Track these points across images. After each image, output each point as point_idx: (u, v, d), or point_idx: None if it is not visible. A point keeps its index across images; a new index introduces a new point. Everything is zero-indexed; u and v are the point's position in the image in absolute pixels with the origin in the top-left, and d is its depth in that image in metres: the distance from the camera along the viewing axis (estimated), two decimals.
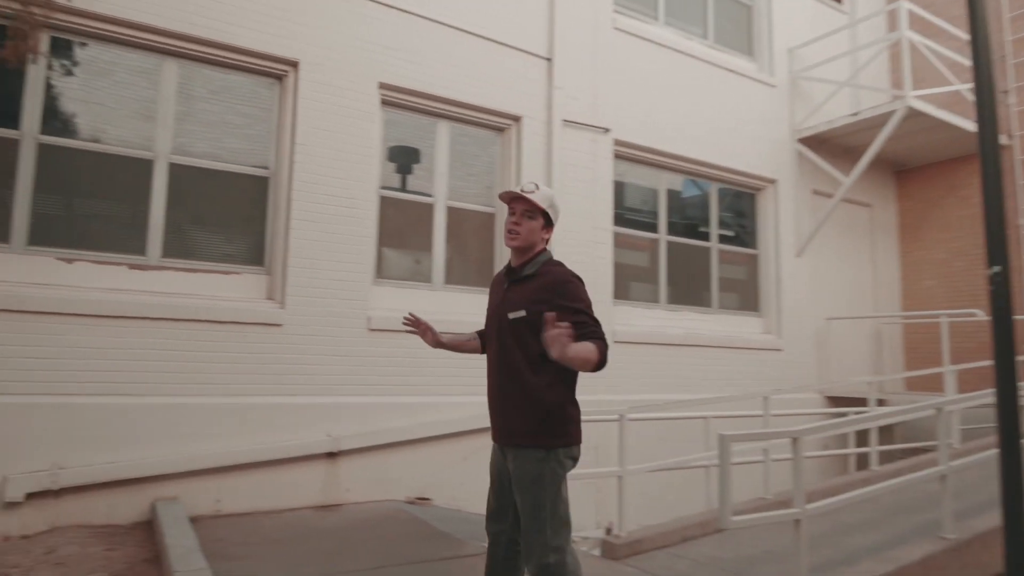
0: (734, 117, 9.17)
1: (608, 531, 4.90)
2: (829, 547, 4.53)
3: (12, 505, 4.72)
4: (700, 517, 5.10)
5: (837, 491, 5.90)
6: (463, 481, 6.45)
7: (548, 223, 2.97)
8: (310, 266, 6.01)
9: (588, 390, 7.37)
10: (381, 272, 6.62)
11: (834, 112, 9.76)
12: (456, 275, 7.07)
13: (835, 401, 9.40)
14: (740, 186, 9.50)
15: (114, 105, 5.58)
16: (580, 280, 2.92)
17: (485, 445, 6.58)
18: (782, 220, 9.54)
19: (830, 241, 10.23)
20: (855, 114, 9.21)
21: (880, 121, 8.88)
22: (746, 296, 9.48)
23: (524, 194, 2.87)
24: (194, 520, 5.10)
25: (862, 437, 7.04)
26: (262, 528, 5.09)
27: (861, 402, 8.36)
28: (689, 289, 8.90)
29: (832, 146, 10.03)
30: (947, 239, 10.59)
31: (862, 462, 6.97)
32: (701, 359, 8.47)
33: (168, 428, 5.31)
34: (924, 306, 10.61)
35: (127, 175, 5.59)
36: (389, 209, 6.72)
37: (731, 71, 9.28)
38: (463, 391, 6.62)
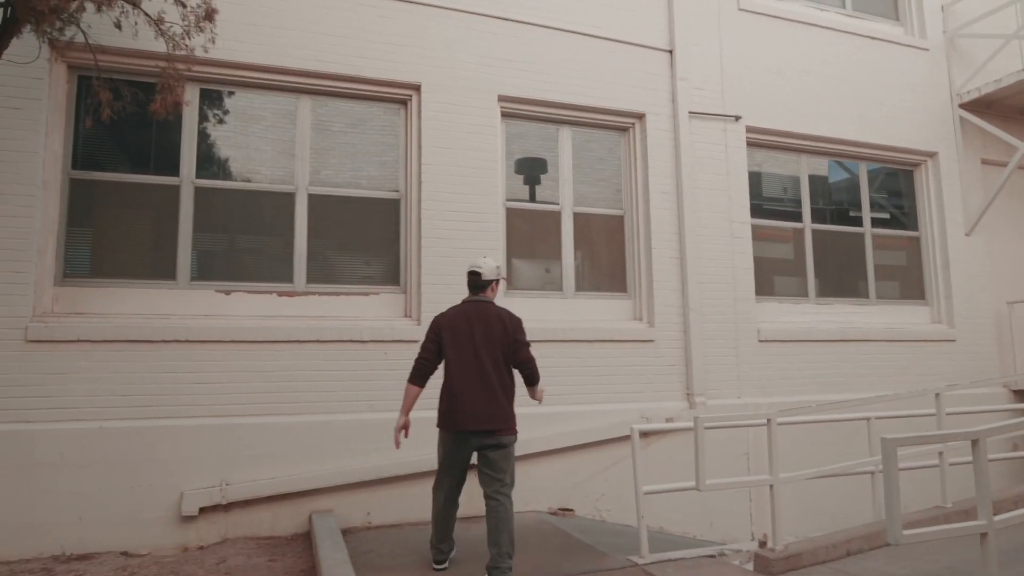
0: (882, 89, 8.41)
1: (762, 544, 4.58)
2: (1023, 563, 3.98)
3: (188, 519, 5.16)
4: (866, 529, 4.65)
5: None
6: (605, 491, 6.32)
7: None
8: (442, 282, 6.14)
9: (732, 394, 7.03)
10: (512, 283, 6.65)
11: (1002, 69, 8.70)
12: (587, 282, 6.97)
13: None
14: (894, 163, 8.69)
15: (257, 145, 6.00)
16: None
17: (626, 454, 6.42)
18: (946, 196, 8.62)
19: (1007, 215, 9.11)
20: None
21: None
22: (908, 283, 8.64)
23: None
24: (347, 532, 5.34)
25: None
26: (409, 540, 5.22)
27: None
28: (841, 280, 8.23)
29: (1002, 108, 8.94)
30: None
31: None
32: (859, 356, 7.80)
33: (321, 444, 5.60)
34: None
35: (272, 209, 5.99)
36: (516, 220, 6.74)
37: (875, 39, 8.52)
38: (603, 399, 6.50)
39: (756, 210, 7.70)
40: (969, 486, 6.22)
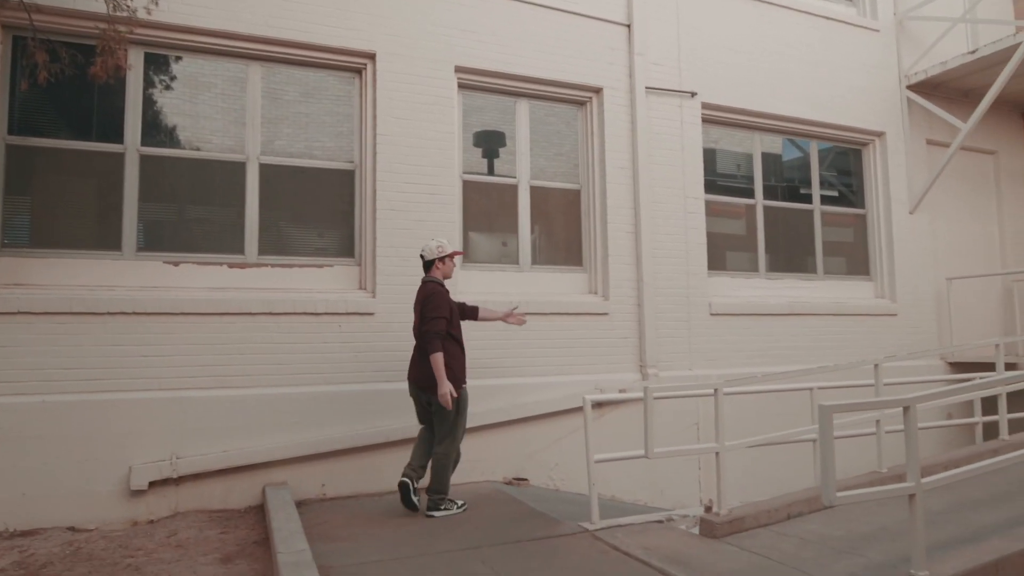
0: (834, 69, 8.57)
1: (708, 509, 4.73)
2: (952, 524, 4.18)
3: (138, 493, 5.09)
4: (806, 493, 4.83)
5: (960, 464, 5.46)
6: (559, 461, 6.42)
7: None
8: (398, 255, 6.12)
9: (684, 366, 7.19)
10: (469, 257, 6.65)
11: (948, 52, 8.95)
12: (543, 255, 7.01)
13: (960, 368, 8.69)
14: (843, 142, 8.89)
15: (206, 112, 5.85)
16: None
17: (580, 425, 6.52)
18: (892, 175, 8.87)
19: (949, 194, 9.42)
20: (973, 52, 8.39)
21: (1003, 57, 8.05)
22: (854, 260, 8.90)
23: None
24: (301, 504, 5.34)
25: (991, 404, 6.46)
26: (364, 510, 5.25)
27: (989, 367, 7.69)
28: (791, 256, 8.44)
29: (947, 90, 9.21)
30: None
31: (990, 432, 6.40)
32: (807, 329, 8.03)
33: (274, 417, 5.56)
34: None
35: (222, 178, 5.86)
36: (473, 193, 6.72)
37: (829, 19, 8.66)
38: (558, 371, 6.58)
39: (710, 186, 7.82)
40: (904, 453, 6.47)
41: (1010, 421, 6.12)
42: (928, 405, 3.41)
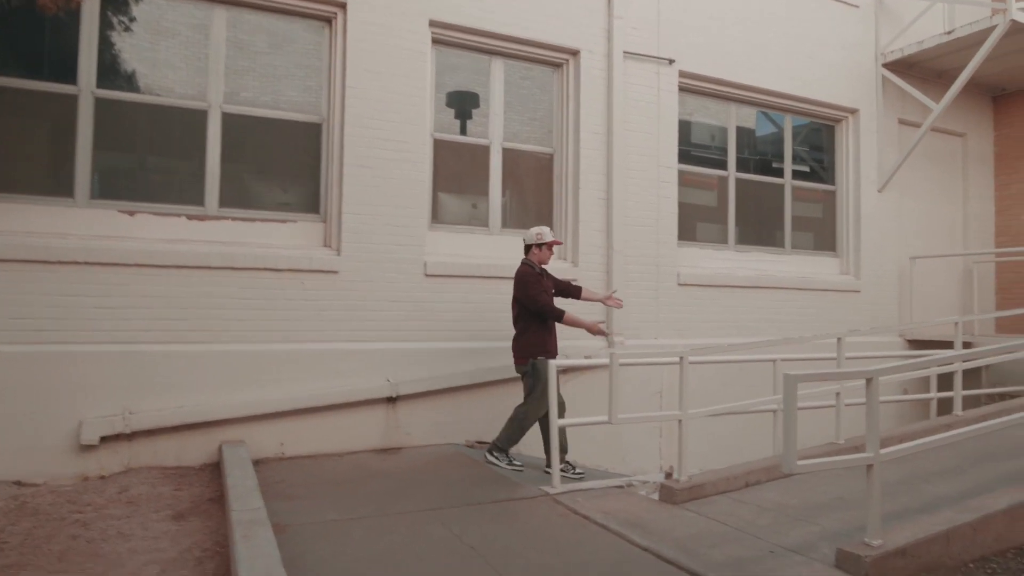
0: (812, 42, 8.52)
1: (668, 475, 4.75)
2: (906, 495, 4.26)
3: (88, 448, 4.95)
4: (766, 462, 4.89)
5: (915, 437, 5.57)
6: None
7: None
8: (364, 212, 5.97)
9: (651, 335, 7.20)
10: (437, 217, 6.53)
11: (925, 32, 8.94)
12: (514, 219, 6.91)
13: (918, 344, 8.87)
14: (818, 118, 8.89)
15: (167, 57, 5.58)
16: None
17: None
18: (864, 153, 8.91)
19: (917, 174, 9.52)
20: (949, 32, 8.41)
21: (978, 39, 8.07)
22: (822, 235, 8.97)
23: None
24: (259, 463, 5.25)
25: (946, 382, 6.59)
26: (323, 470, 5.18)
27: (947, 345, 7.85)
28: (760, 229, 8.46)
29: (922, 70, 9.23)
30: None
31: (945, 408, 6.54)
32: (772, 302, 8.09)
33: (232, 374, 5.43)
34: (1021, 243, 9.79)
35: (182, 126, 5.63)
36: (444, 152, 6.58)
37: None
38: None
39: (683, 156, 7.76)
40: (862, 426, 6.61)
41: (964, 398, 6.25)
42: (889, 379, 3.42)
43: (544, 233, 5.47)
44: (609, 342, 6.90)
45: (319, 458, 5.55)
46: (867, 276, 8.86)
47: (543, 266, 5.49)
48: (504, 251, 6.72)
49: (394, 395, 5.87)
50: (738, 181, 8.25)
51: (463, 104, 6.78)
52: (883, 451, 3.23)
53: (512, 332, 5.54)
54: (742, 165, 8.33)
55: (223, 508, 4.14)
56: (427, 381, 6.01)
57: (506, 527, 3.94)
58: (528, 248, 5.51)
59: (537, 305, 5.27)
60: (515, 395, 6.42)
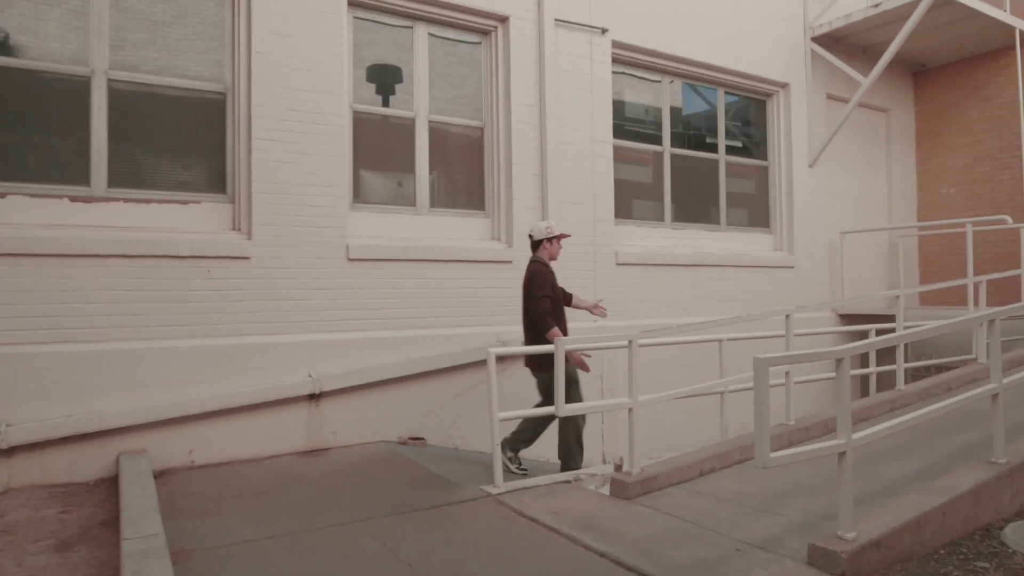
0: (743, 15, 8.34)
1: (618, 468, 4.45)
2: (863, 477, 4.08)
3: None
4: (719, 448, 4.65)
5: (868, 415, 5.46)
6: (457, 419, 6.00)
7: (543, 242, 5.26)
8: (278, 191, 5.39)
9: (589, 317, 6.90)
10: (360, 196, 6.01)
11: (852, 6, 8.91)
12: (442, 198, 6.45)
13: (848, 319, 8.92)
14: (750, 92, 8.75)
15: (37, 12, 4.84)
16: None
17: (481, 379, 6.13)
18: (795, 127, 8.84)
19: (844, 150, 9.54)
20: (876, 5, 8.38)
21: (904, 13, 8.06)
22: (756, 212, 8.87)
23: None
24: (164, 474, 4.67)
25: (883, 356, 6.57)
26: (239, 479, 4.64)
27: (875, 319, 7.89)
28: (696, 206, 8.28)
29: (848, 44, 9.23)
30: (968, 144, 9.89)
31: (879, 384, 6.53)
32: (709, 280, 7.92)
33: (130, 376, 4.80)
34: (941, 216, 10.01)
35: (61, 96, 4.91)
36: (365, 127, 6.05)
37: None
38: (458, 323, 6.11)
39: (618, 131, 7.45)
40: (801, 405, 6.46)
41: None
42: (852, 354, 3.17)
43: (554, 226, 5.26)
44: None
45: (235, 465, 5.00)
46: (800, 252, 8.82)
47: (552, 262, 5.25)
48: (433, 232, 6.26)
49: (317, 391, 5.35)
50: (673, 157, 8.02)
51: (385, 78, 6.25)
52: (856, 436, 2.99)
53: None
54: (677, 140, 8.10)
55: (117, 533, 3.58)
56: (353, 375, 5.52)
57: (446, 537, 3.54)
58: (538, 244, 5.25)
59: (532, 307, 4.98)
60: (450, 388, 6.02)
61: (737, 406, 5.67)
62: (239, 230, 5.36)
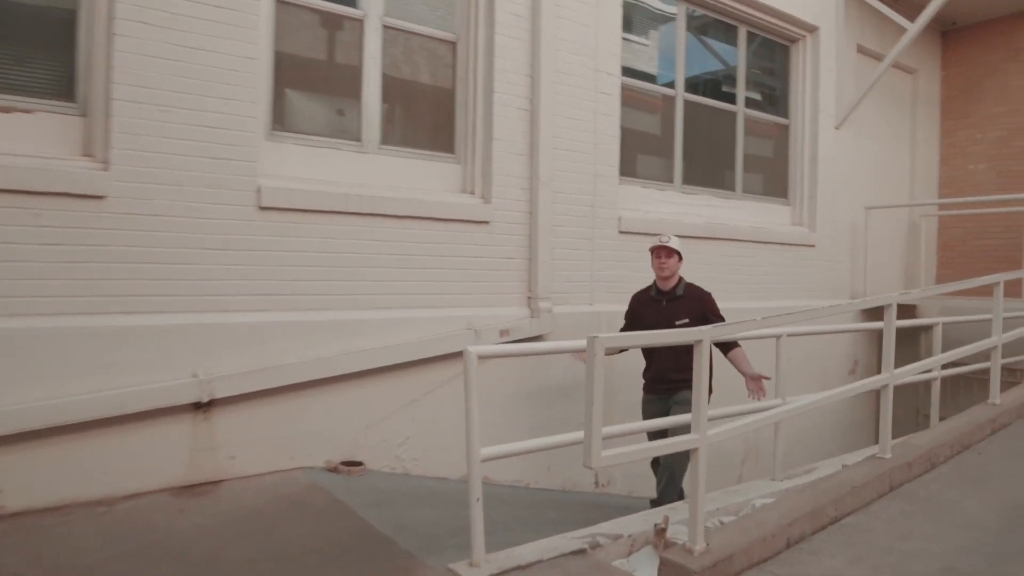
0: None
1: (660, 531, 2.92)
2: None
3: None
4: (804, 501, 3.12)
5: (965, 440, 4.04)
6: (410, 433, 4.40)
7: (680, 259, 4.62)
8: (153, 100, 3.63)
9: (584, 300, 5.36)
10: (282, 122, 4.29)
11: None
12: (398, 133, 4.78)
13: (867, 313, 7.58)
14: (774, 34, 7.26)
15: None
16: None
17: (443, 380, 4.54)
18: (823, 81, 7.40)
19: (870, 114, 8.17)
20: None
21: None
22: (772, 178, 7.43)
23: (664, 244, 4.54)
24: None
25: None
26: (68, 541, 2.95)
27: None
28: (709, 167, 6.78)
29: None
30: (1004, 113, 8.64)
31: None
32: (722, 257, 6.44)
33: None
34: (965, 194, 8.78)
35: None
36: (293, 23, 4.31)
37: None
38: (414, 303, 4.49)
39: (623, 68, 5.86)
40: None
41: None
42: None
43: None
44: (533, 311, 4.98)
45: (72, 511, 3.28)
46: (822, 228, 7.43)
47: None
48: (384, 178, 4.59)
49: (206, 398, 3.65)
50: (687, 104, 6.47)
51: None
52: None
53: None
54: (691, 85, 6.56)
55: None
56: (262, 374, 3.83)
57: None
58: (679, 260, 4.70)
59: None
60: (402, 391, 4.40)
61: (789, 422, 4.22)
62: (92, 156, 3.58)
